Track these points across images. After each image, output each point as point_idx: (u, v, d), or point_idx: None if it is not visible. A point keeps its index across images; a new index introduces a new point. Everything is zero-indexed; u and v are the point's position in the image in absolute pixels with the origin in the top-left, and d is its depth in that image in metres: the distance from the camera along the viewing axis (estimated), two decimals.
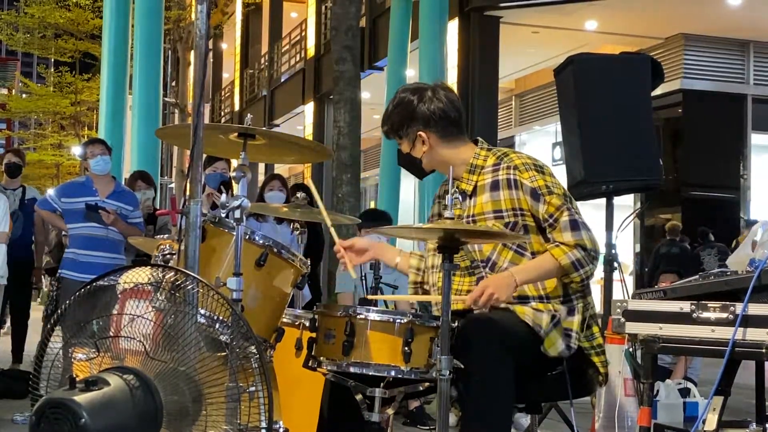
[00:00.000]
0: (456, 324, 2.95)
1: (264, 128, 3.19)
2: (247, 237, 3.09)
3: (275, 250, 3.17)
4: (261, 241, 3.14)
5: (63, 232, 7.15)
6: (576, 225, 3.11)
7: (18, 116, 32.58)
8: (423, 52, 13.22)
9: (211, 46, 26.71)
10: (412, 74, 14.15)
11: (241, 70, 28.06)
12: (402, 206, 14.20)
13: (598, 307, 3.55)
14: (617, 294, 5.10)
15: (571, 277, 3.11)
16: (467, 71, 14.18)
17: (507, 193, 3.15)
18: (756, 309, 2.72)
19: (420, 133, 3.23)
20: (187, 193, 2.92)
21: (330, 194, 11.62)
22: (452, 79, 14.02)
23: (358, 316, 2.96)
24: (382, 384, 2.96)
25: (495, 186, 3.17)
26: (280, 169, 25.00)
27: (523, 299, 3.12)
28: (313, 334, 3.08)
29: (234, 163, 3.25)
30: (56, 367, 2.63)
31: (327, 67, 18.36)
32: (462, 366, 2.87)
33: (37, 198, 7.99)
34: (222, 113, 31.02)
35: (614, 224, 5.18)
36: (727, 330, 2.75)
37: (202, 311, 2.76)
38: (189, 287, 2.65)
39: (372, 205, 19.71)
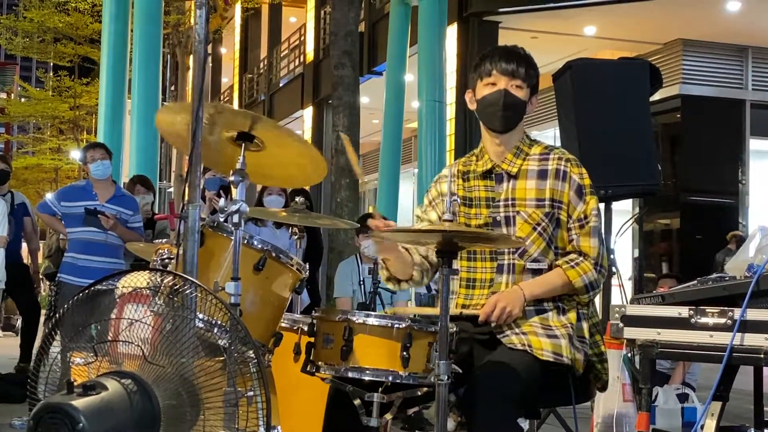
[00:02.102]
0: (456, 329, 2.95)
1: (265, 117, 3.14)
2: (246, 241, 3.09)
3: (274, 254, 3.16)
4: (259, 246, 3.14)
5: (62, 236, 7.16)
6: (599, 234, 3.14)
7: (17, 120, 32.64)
8: (422, 57, 13.24)
9: (210, 51, 26.72)
10: (411, 79, 14.17)
11: (240, 75, 28.09)
12: (401, 211, 14.21)
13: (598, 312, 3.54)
14: (616, 299, 5.10)
15: (579, 297, 3.11)
16: (466, 76, 14.17)
17: (552, 182, 3.14)
18: (754, 314, 2.72)
19: (535, 96, 3.26)
20: (186, 197, 2.92)
21: (329, 199, 11.62)
22: (451, 84, 14.03)
23: (356, 321, 2.96)
24: (380, 389, 2.96)
25: (543, 174, 3.15)
26: None
27: (539, 302, 3.10)
28: (312, 339, 3.08)
29: None
30: (54, 371, 2.63)
31: (326, 71, 18.38)
32: (460, 371, 2.88)
33: (26, 203, 8.03)
34: None
35: (613, 229, 5.18)
36: (726, 335, 2.75)
37: (201, 316, 2.76)
38: (187, 292, 2.65)
39: (371, 209, 19.73)
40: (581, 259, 3.09)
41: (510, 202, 3.16)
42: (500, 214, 3.17)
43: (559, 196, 3.13)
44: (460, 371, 2.88)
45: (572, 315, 3.11)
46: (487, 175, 3.23)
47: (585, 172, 3.19)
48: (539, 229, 3.11)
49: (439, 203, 3.31)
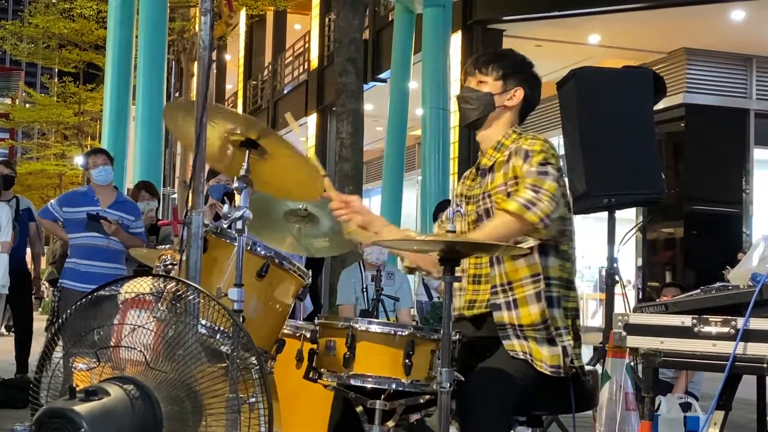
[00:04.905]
0: (458, 336, 2.94)
1: (268, 129, 3.15)
2: (249, 248, 3.09)
3: (277, 261, 3.16)
4: (263, 252, 3.14)
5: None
6: (546, 175, 2.97)
7: (21, 126, 32.70)
8: (426, 65, 13.26)
9: (214, 58, 26.75)
10: (415, 86, 14.19)
11: (244, 82, 28.13)
12: (404, 218, 14.20)
13: (600, 321, 3.52)
14: (619, 307, 5.09)
15: (526, 219, 2.90)
16: None
17: (511, 162, 3.08)
18: (757, 324, 2.71)
19: (519, 88, 3.20)
20: (190, 203, 2.92)
21: None
22: (455, 92, 14.02)
23: (359, 328, 2.96)
24: (382, 396, 2.95)
25: (507, 159, 3.12)
26: None
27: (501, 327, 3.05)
28: (314, 346, 3.08)
29: None
30: (57, 376, 2.63)
31: (330, 78, 18.39)
32: (463, 379, 2.87)
33: (31, 208, 8.02)
34: None
35: (616, 238, 5.17)
36: (729, 344, 2.74)
37: (203, 322, 2.76)
38: (190, 298, 2.65)
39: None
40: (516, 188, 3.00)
41: (487, 195, 3.16)
42: (480, 208, 3.17)
43: (515, 172, 3.06)
44: (463, 379, 2.87)
45: (543, 349, 3.02)
46: (477, 172, 3.27)
47: (540, 145, 3.04)
48: None
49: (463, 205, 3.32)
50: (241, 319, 2.84)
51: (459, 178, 13.78)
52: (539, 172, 2.98)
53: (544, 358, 2.99)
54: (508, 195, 3.03)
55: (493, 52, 3.33)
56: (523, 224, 2.93)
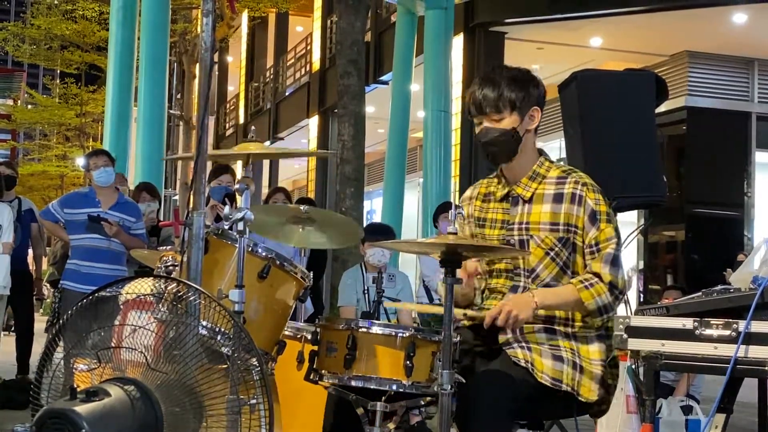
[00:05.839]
0: (458, 339, 2.94)
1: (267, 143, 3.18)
2: (250, 249, 3.09)
3: (278, 262, 3.17)
4: (264, 254, 3.14)
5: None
6: (617, 262, 3.06)
7: (23, 127, 32.72)
8: (428, 67, 13.26)
9: (216, 59, 26.75)
10: (416, 89, 14.19)
11: (246, 84, 28.15)
12: (405, 221, 14.20)
13: None
14: (620, 310, 5.09)
15: (591, 320, 3.06)
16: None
17: (568, 206, 3.07)
18: (759, 326, 2.72)
19: (534, 108, 3.12)
20: (191, 204, 2.93)
21: (333, 208, 11.63)
22: (457, 94, 14.04)
23: (360, 330, 2.96)
24: (383, 398, 2.95)
25: (558, 198, 3.09)
26: (283, 182, 25.02)
27: (549, 321, 3.07)
28: (315, 347, 3.08)
29: (239, 175, 3.26)
30: (57, 377, 2.63)
31: (332, 80, 18.41)
32: (464, 381, 2.87)
33: (33, 209, 8.01)
34: (227, 126, 31.10)
35: None
36: (730, 347, 2.74)
37: (204, 323, 2.76)
38: (191, 299, 2.65)
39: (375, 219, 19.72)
40: (596, 280, 3.03)
41: (524, 226, 3.12)
42: (514, 237, 3.12)
43: (574, 221, 3.07)
44: (464, 381, 2.87)
45: (592, 347, 3.07)
46: (504, 198, 3.20)
47: (602, 198, 3.10)
48: (552, 254, 3.07)
49: (466, 225, 3.31)
50: (242, 321, 2.84)
51: (460, 181, 13.70)
52: (615, 258, 3.06)
53: (546, 369, 2.97)
54: (569, 245, 3.07)
55: (490, 80, 3.10)
56: (583, 312, 3.05)
